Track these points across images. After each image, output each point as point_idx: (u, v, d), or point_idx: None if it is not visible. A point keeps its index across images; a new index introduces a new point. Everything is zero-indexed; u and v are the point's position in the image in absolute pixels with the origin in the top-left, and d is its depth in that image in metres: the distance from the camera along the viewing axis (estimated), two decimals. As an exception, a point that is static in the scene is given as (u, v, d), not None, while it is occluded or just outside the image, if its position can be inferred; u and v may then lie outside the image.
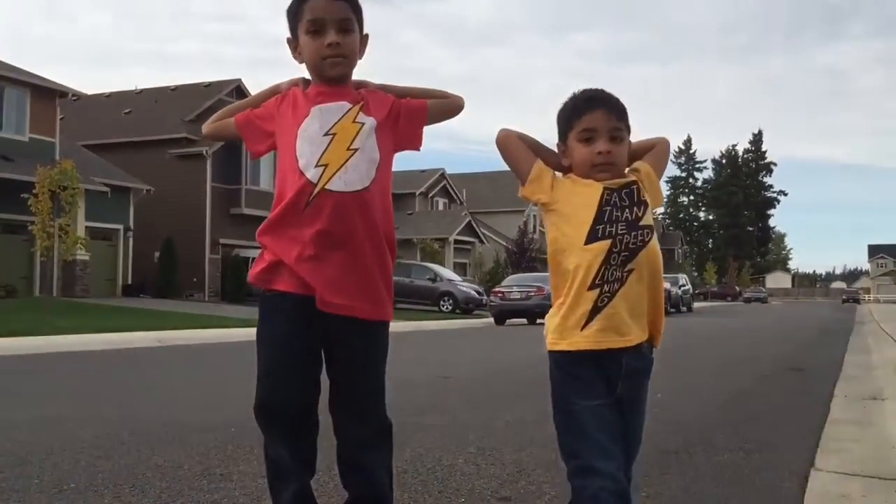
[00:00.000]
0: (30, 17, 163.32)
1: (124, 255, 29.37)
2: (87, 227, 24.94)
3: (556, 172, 2.22)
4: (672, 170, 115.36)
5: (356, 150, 2.27)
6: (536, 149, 2.26)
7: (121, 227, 29.03)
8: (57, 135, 27.14)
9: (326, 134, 2.27)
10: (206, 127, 2.55)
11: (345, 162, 2.25)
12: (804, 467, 4.03)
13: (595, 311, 2.06)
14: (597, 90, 2.22)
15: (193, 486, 3.47)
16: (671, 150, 2.37)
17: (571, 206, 2.13)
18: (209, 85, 36.41)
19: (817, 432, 5.08)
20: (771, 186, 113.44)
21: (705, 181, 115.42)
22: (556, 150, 2.27)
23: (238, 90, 34.92)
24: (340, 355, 2.35)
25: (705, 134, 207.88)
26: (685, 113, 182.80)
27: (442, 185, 52.46)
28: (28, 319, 15.51)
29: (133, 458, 4.03)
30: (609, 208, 2.10)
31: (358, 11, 2.36)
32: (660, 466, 4.01)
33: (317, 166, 2.25)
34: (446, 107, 2.48)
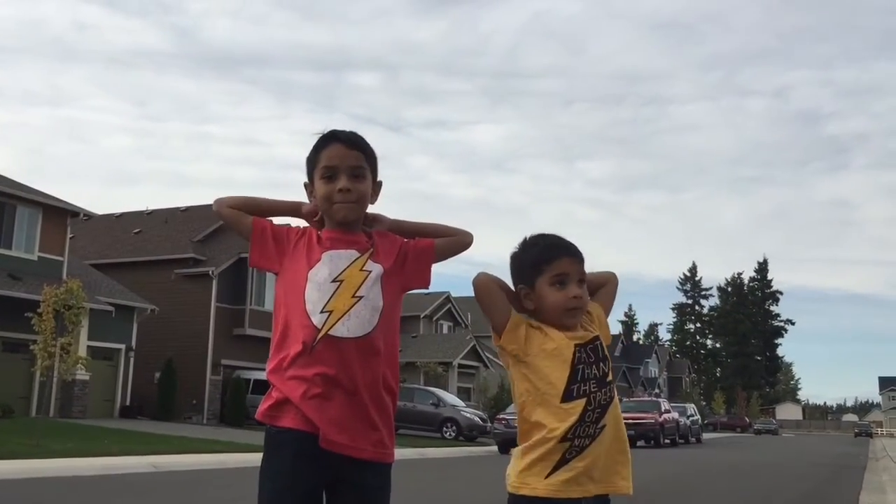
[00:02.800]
0: (47, 137, 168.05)
1: (124, 375, 29.11)
2: (88, 346, 24.86)
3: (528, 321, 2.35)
4: (678, 297, 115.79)
5: (360, 297, 2.33)
6: (507, 291, 2.38)
7: (123, 346, 28.90)
8: (65, 254, 27.41)
9: (334, 281, 2.34)
10: (222, 206, 2.49)
11: (348, 309, 2.31)
12: None
13: (562, 462, 2.19)
14: (555, 237, 2.39)
15: None
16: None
17: (545, 361, 2.25)
18: (219, 207, 37.01)
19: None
20: (778, 315, 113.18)
21: (711, 308, 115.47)
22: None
23: (247, 212, 35.52)
24: (342, 496, 2.31)
25: (711, 262, 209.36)
26: (691, 240, 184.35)
27: (447, 308, 52.50)
28: (22, 442, 15.21)
29: None
30: (581, 366, 2.24)
31: (372, 159, 2.46)
32: None
33: (321, 312, 2.30)
34: (453, 245, 2.55)
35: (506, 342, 2.32)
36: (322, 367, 2.26)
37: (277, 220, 2.53)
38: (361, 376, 2.29)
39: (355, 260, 2.37)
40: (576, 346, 2.25)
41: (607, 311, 2.44)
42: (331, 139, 2.42)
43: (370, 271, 2.37)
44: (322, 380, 2.26)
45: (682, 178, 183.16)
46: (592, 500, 2.22)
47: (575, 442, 2.19)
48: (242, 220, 2.46)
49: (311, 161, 2.45)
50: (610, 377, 2.28)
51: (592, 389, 2.22)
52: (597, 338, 2.30)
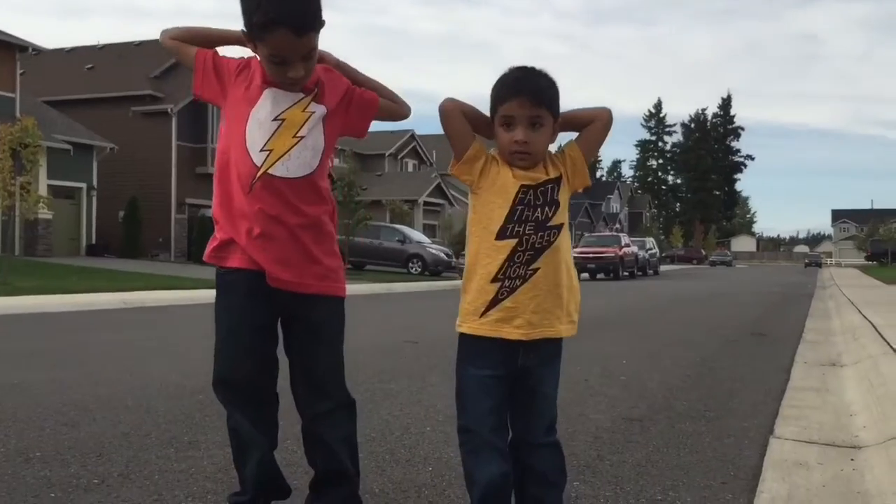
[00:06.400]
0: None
1: (88, 214, 28.97)
2: (49, 185, 24.57)
3: (491, 154, 2.29)
4: (642, 133, 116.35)
5: (301, 138, 2.30)
6: (476, 119, 2.29)
7: (84, 185, 28.59)
8: (17, 90, 26.53)
9: (275, 119, 2.29)
10: (166, 38, 2.44)
11: (289, 150, 2.29)
12: (764, 435, 4.12)
13: (495, 302, 2.21)
14: (522, 72, 2.23)
15: (161, 454, 3.47)
16: (609, 123, 2.33)
17: (490, 197, 2.23)
18: (174, 41, 35.70)
19: (777, 399, 5.19)
20: (738, 151, 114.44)
21: (674, 145, 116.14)
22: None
23: (204, 47, 34.38)
24: (296, 331, 2.40)
25: (676, 98, 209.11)
26: (658, 76, 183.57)
27: (412, 146, 52.22)
28: (-10, 280, 15.27)
29: (99, 426, 4.01)
30: (521, 207, 2.20)
31: (319, 20, 2.25)
32: (624, 435, 4.08)
33: (262, 150, 2.28)
34: (392, 111, 2.53)
35: (458, 172, 2.29)
36: (262, 206, 2.26)
37: (225, 51, 2.44)
38: (302, 215, 2.31)
39: (299, 100, 2.32)
40: (521, 186, 2.21)
41: (589, 151, 2.31)
42: (277, 24, 2.13)
43: (313, 112, 2.33)
44: (263, 218, 2.27)
45: (655, 10, 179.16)
46: (540, 343, 2.24)
47: (506, 283, 2.19)
48: (186, 50, 2.41)
49: (253, 30, 2.21)
50: (555, 222, 2.22)
51: (527, 231, 2.19)
52: (551, 181, 2.24)
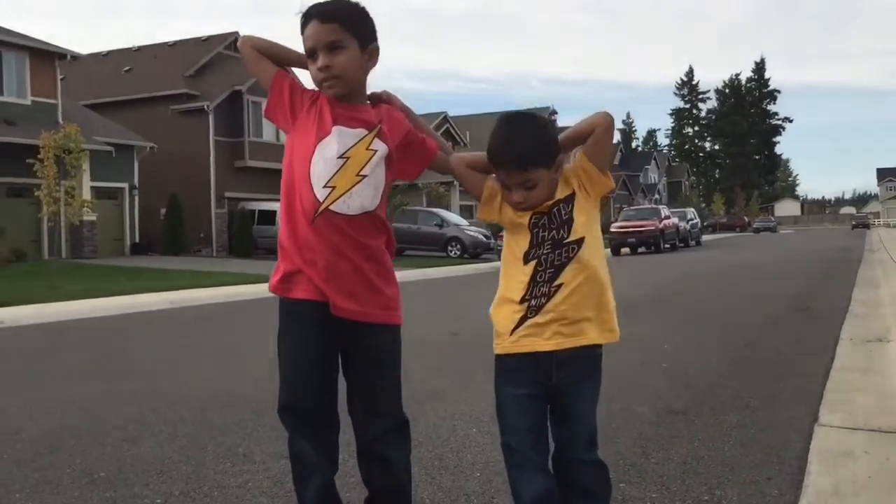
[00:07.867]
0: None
1: (131, 213, 29.48)
2: (92, 186, 25.03)
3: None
4: (675, 102, 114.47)
5: (364, 176, 2.41)
6: (487, 165, 2.40)
7: (126, 185, 29.09)
8: (58, 96, 27.05)
9: (341, 157, 2.39)
10: (246, 45, 2.53)
11: (351, 187, 2.39)
12: (808, 423, 4.13)
13: (523, 320, 2.33)
14: (502, 137, 2.31)
15: (218, 469, 3.59)
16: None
17: (513, 228, 2.37)
18: (206, 39, 36.12)
19: (822, 382, 5.17)
20: (776, 114, 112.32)
21: (709, 111, 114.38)
22: None
23: (235, 43, 34.71)
24: (358, 357, 2.49)
25: (709, 64, 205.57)
26: (689, 43, 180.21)
27: (445, 128, 52.02)
28: (39, 285, 15.68)
29: (157, 440, 4.16)
30: (537, 230, 2.33)
31: (355, 25, 2.40)
32: (668, 429, 4.12)
33: (325, 186, 2.38)
34: (443, 165, 2.61)
35: (484, 215, 2.44)
36: (322, 240, 2.37)
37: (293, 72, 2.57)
38: (363, 248, 2.41)
39: (363, 138, 2.42)
40: (533, 214, 2.33)
41: (598, 158, 2.35)
42: (308, 17, 2.39)
43: (376, 150, 2.43)
44: (327, 252, 2.37)
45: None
46: (574, 357, 2.32)
47: (532, 302, 2.31)
48: (264, 66, 2.50)
49: (302, 38, 2.43)
50: (572, 238, 2.32)
51: (545, 252, 2.31)
52: (559, 202, 2.33)
